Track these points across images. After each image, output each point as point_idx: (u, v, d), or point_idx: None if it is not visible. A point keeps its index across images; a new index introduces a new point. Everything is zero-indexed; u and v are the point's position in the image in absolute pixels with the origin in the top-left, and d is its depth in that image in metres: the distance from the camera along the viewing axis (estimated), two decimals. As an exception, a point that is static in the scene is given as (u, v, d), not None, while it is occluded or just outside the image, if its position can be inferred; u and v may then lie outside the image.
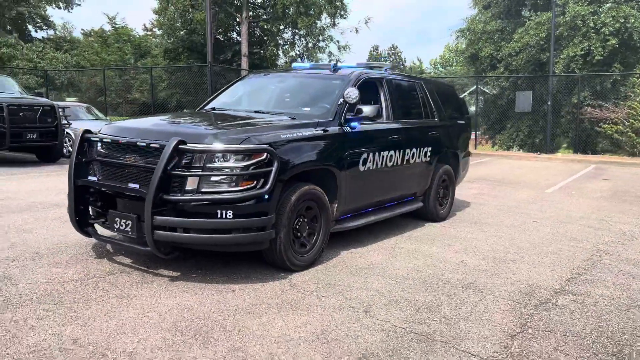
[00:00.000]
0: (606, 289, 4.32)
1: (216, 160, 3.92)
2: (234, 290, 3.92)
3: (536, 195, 9.16)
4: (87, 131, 4.50)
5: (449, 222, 6.68)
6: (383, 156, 5.45)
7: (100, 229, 4.64)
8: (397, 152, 5.69)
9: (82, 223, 4.46)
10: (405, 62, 53.09)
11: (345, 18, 26.35)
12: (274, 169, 3.98)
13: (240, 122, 4.69)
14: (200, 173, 3.89)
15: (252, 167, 3.95)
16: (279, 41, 27.74)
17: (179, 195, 3.89)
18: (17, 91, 12.18)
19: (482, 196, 8.88)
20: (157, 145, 3.95)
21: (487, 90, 25.13)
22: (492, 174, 12.40)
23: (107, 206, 4.41)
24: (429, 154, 6.30)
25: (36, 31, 33.38)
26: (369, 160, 5.23)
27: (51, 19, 32.81)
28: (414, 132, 6.08)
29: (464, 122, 7.49)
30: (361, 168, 5.14)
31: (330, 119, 4.87)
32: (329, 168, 4.75)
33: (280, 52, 27.98)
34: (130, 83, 28.90)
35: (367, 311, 3.64)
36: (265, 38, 27.77)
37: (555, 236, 6.10)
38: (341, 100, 4.94)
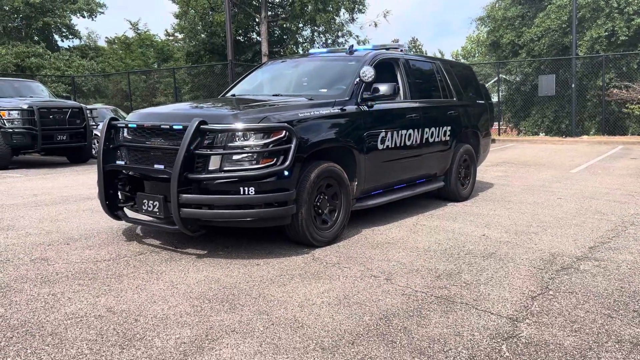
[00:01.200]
0: (630, 255, 4.30)
1: (237, 139, 4.05)
2: (258, 264, 4.05)
3: (561, 175, 9.07)
4: (113, 119, 4.71)
5: (471, 202, 6.69)
6: (401, 135, 5.51)
7: (129, 213, 4.82)
8: (416, 131, 5.73)
9: (112, 207, 4.66)
10: (425, 54, 52.73)
11: (363, 12, 26.39)
12: (292, 146, 4.09)
13: (259, 103, 4.81)
14: (222, 152, 4.03)
15: (271, 145, 4.07)
16: (299, 39, 27.90)
17: (203, 174, 4.04)
18: (46, 95, 12.62)
19: (505, 177, 8.83)
20: (180, 127, 4.10)
21: (509, 79, 24.74)
22: (516, 157, 12.29)
23: (135, 190, 4.60)
24: (448, 133, 6.32)
25: (62, 40, 34.28)
26: (387, 139, 5.29)
27: (76, 28, 33.64)
28: (433, 111, 6.10)
29: (483, 102, 7.47)
30: (379, 146, 5.21)
31: (347, 98, 4.95)
32: (347, 146, 4.84)
33: (300, 50, 28.15)
34: (155, 87, 29.48)
35: (389, 279, 3.72)
36: (284, 37, 27.96)
37: (580, 210, 6.06)
38: (357, 79, 5.02)
